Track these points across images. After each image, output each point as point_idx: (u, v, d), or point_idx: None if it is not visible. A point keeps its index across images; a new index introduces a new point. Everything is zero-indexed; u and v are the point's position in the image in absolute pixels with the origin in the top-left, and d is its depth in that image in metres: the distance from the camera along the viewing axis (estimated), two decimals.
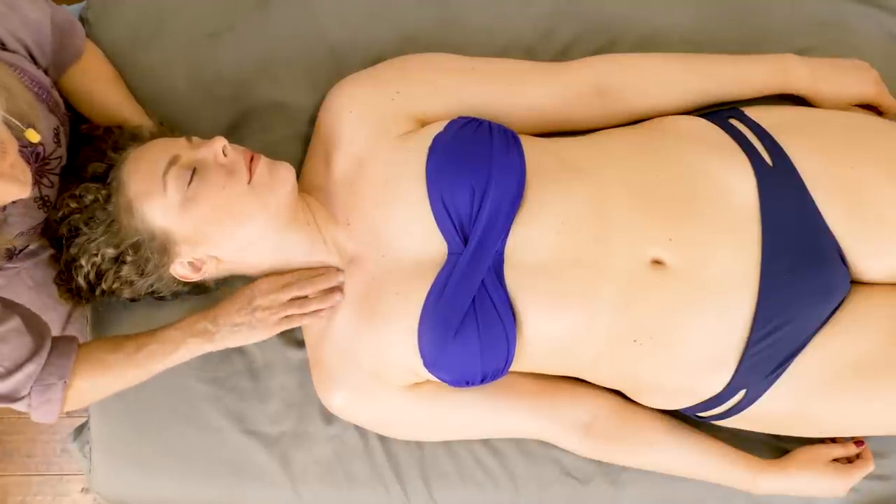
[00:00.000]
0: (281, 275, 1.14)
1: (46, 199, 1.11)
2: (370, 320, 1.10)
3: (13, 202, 1.04)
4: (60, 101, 1.16)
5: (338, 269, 1.14)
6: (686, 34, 1.30)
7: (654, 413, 1.21)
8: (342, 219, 1.15)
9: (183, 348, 1.13)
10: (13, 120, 0.84)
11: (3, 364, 1.03)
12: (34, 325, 1.07)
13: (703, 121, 1.19)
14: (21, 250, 1.15)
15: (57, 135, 1.11)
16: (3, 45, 1.06)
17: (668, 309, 1.06)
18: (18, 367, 1.04)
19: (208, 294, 1.24)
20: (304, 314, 1.14)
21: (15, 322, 1.04)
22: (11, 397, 1.06)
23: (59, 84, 1.18)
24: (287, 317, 1.14)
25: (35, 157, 1.07)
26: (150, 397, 1.28)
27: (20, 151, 0.90)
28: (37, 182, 1.08)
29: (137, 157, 1.07)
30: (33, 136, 0.88)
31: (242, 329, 1.13)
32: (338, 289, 1.14)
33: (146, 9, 1.30)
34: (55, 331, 1.34)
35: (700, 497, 1.26)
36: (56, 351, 1.07)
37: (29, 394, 1.06)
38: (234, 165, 1.05)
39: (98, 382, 1.10)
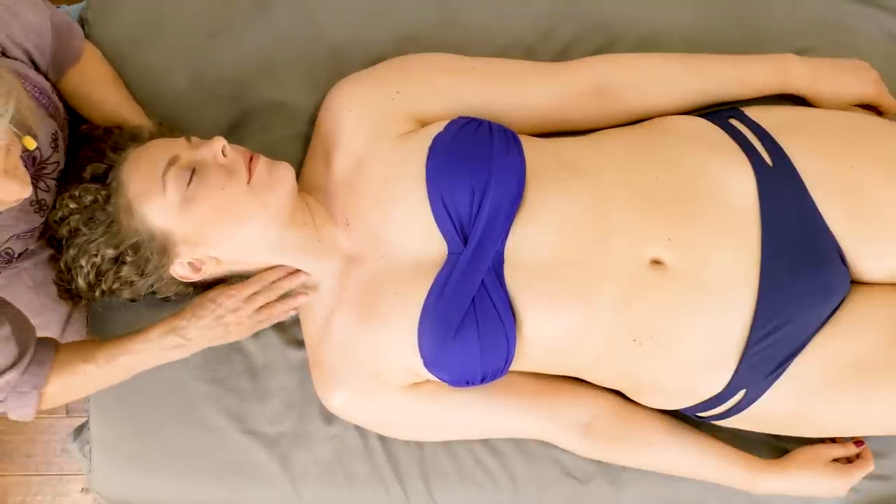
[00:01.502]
0: (239, 284, 1.13)
1: (43, 202, 1.11)
2: (370, 320, 1.10)
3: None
4: (60, 105, 1.15)
5: (298, 271, 1.15)
6: (686, 34, 1.30)
7: (654, 413, 1.21)
8: (341, 218, 1.15)
9: (155, 361, 1.15)
10: (12, 128, 0.85)
11: None
12: (22, 332, 1.08)
13: (702, 121, 1.19)
14: (20, 254, 1.15)
15: (55, 140, 1.11)
16: (3, 52, 1.06)
17: (667, 309, 1.06)
18: (0, 373, 1.05)
19: None
20: (273, 313, 1.17)
21: (5, 330, 1.05)
22: None
23: (59, 86, 1.18)
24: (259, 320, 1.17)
25: (32, 162, 1.07)
26: (150, 397, 1.28)
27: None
28: (33, 186, 1.08)
29: (137, 157, 1.07)
30: (30, 144, 0.90)
31: (217, 339, 1.16)
32: (300, 290, 1.16)
33: (146, 9, 1.30)
34: (55, 331, 1.34)
35: (700, 497, 1.26)
36: (34, 360, 1.08)
37: (5, 399, 1.08)
38: (234, 165, 1.05)
39: (71, 389, 1.12)
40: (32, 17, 1.09)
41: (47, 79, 1.14)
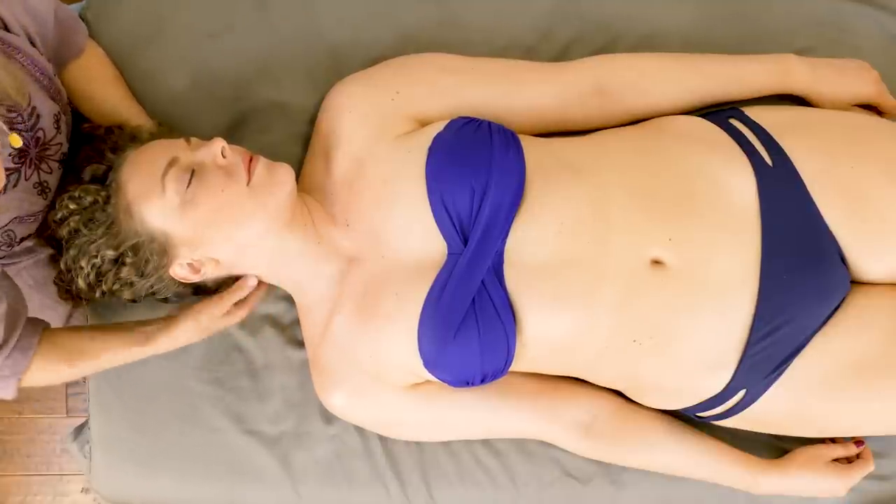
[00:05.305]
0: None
1: (45, 184, 1.11)
2: (370, 321, 1.10)
3: (14, 186, 1.05)
4: (63, 89, 1.15)
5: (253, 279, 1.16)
6: (686, 34, 1.30)
7: (654, 413, 1.21)
8: (341, 219, 1.14)
9: (134, 358, 1.17)
10: None
11: None
12: (13, 315, 1.09)
13: (702, 121, 1.19)
14: (21, 239, 1.15)
15: (57, 121, 1.11)
16: (5, 25, 1.06)
17: (667, 309, 1.06)
18: None
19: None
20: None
21: (1, 308, 1.05)
22: None
23: (60, 79, 1.18)
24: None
25: (35, 142, 1.07)
26: (151, 397, 1.28)
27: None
28: (36, 167, 1.08)
29: (136, 158, 1.07)
30: (16, 141, 0.89)
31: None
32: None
33: (146, 9, 1.30)
34: None
35: (700, 497, 1.26)
36: (17, 346, 1.10)
37: None
38: (233, 167, 1.05)
39: (51, 378, 1.15)
40: (37, 3, 1.10)
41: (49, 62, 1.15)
